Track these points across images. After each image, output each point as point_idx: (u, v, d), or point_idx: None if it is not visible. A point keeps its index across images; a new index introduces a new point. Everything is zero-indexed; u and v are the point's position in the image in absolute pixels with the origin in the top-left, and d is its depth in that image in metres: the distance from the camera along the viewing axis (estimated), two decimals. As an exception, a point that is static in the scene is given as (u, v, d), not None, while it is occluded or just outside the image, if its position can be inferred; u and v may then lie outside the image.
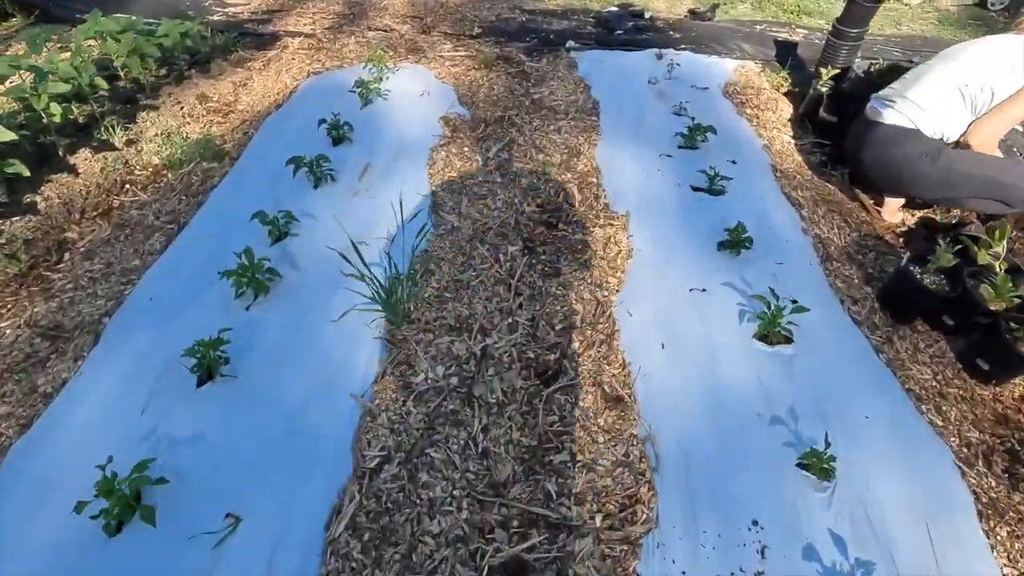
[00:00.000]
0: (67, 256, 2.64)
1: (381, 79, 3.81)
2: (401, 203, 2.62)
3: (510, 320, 2.31)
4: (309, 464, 1.75)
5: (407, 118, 3.50)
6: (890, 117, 2.68)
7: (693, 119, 3.27)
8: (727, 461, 1.80)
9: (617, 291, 2.42)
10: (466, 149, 3.28)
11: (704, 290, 2.36)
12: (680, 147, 3.29)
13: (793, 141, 3.55)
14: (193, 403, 1.89)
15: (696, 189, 2.95)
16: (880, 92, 2.83)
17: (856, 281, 2.52)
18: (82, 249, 2.67)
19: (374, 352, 2.11)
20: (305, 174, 2.87)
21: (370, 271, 2.16)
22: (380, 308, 2.17)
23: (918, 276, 2.29)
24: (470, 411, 1.97)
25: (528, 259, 2.58)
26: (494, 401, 2.01)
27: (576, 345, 2.21)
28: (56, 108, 2.84)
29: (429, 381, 2.05)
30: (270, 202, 2.75)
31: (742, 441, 1.85)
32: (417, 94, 3.74)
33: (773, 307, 2.11)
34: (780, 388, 2.01)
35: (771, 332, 2.14)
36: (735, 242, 2.50)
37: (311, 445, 1.80)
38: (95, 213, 2.87)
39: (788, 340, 2.15)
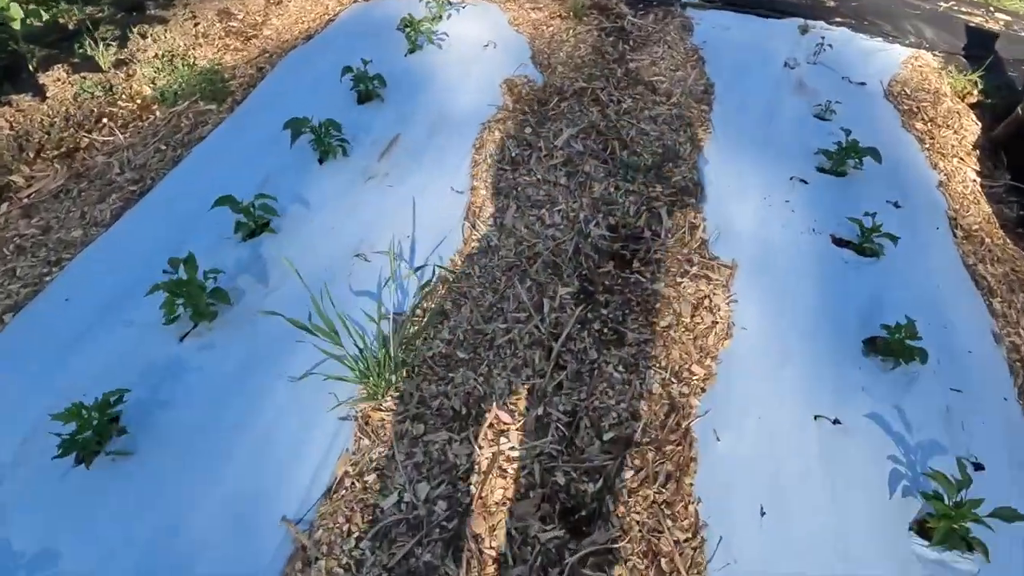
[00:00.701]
0: (3, 208, 2.09)
1: (439, 18, 3.01)
2: (415, 218, 1.90)
3: (541, 411, 1.60)
4: (194, 634, 1.16)
5: (460, 76, 2.71)
6: None
7: (848, 133, 2.33)
8: None
9: (702, 390, 1.66)
10: (528, 131, 2.48)
11: (837, 422, 1.57)
12: (821, 169, 2.38)
13: (979, 179, 2.56)
14: (61, 490, 1.31)
15: (839, 243, 2.07)
16: None
17: (1077, 441, 1.65)
18: (24, 201, 2.12)
19: (336, 441, 1.47)
20: (309, 143, 2.17)
21: (346, 326, 1.49)
22: (355, 376, 1.51)
23: None
24: (454, 568, 1.31)
25: (583, 310, 1.84)
26: (493, 554, 1.34)
27: (629, 475, 1.49)
28: (16, 10, 2.22)
29: (404, 507, 1.39)
30: (258, 176, 2.09)
31: None
32: (480, 43, 2.91)
33: (955, 494, 1.31)
34: (948, 635, 1.25)
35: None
36: (895, 348, 1.66)
37: (204, 600, 1.19)
38: (55, 153, 2.29)
39: (969, 545, 1.35)
